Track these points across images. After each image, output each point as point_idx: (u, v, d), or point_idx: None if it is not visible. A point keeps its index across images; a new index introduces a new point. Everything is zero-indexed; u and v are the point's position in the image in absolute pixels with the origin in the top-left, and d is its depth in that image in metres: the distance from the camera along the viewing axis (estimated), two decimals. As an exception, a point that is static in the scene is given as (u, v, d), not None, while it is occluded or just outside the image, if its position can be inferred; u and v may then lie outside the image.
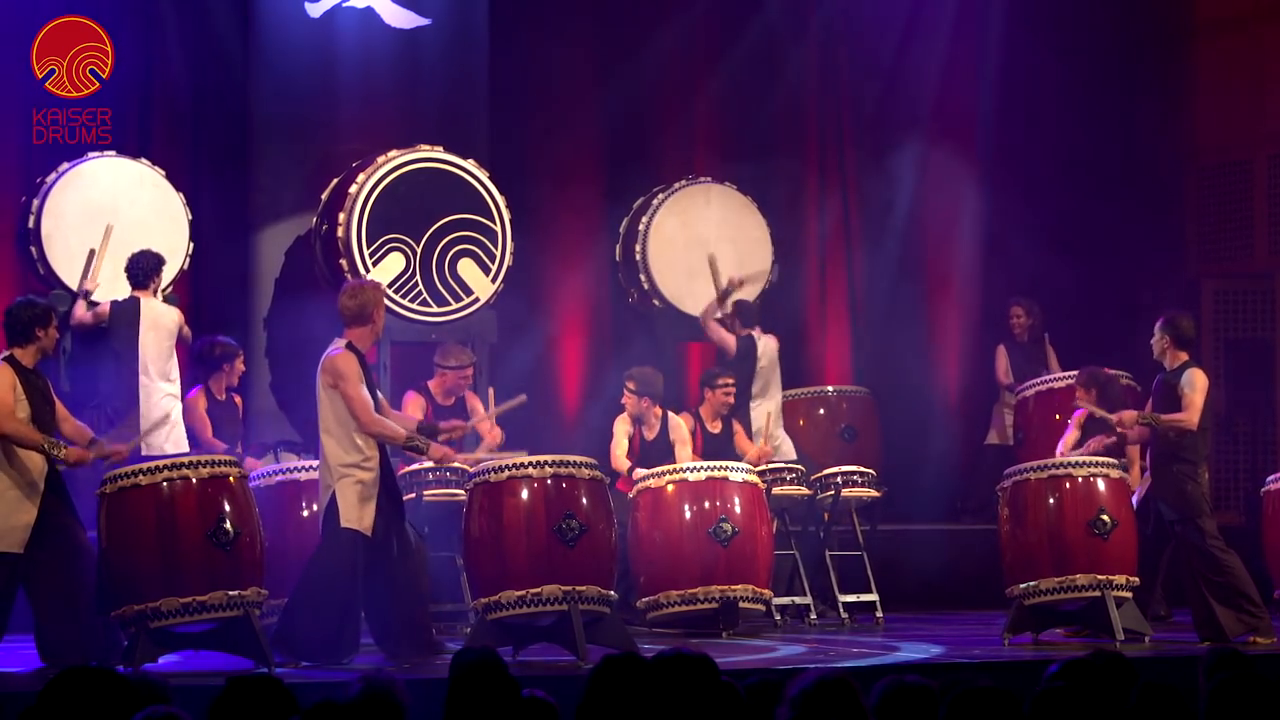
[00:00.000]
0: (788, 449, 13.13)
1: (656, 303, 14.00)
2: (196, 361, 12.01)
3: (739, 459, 12.16)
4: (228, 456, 9.78)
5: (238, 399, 12.10)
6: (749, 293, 13.79)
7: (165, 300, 12.00)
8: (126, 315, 11.72)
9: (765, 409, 13.07)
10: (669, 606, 11.26)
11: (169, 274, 12.10)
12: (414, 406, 11.53)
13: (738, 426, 12.67)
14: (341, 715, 4.74)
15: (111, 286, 11.99)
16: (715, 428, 12.53)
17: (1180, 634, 11.40)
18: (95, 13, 12.53)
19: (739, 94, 14.96)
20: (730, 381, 12.63)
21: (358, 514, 9.51)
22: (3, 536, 9.34)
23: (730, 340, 13.42)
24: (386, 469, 9.72)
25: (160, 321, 11.74)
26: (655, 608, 11.30)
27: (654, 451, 12.02)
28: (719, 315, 13.64)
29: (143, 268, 11.77)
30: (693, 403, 12.91)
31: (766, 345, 13.36)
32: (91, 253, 12.05)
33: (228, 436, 11.74)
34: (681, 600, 11.23)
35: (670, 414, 12.24)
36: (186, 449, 11.57)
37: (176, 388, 11.74)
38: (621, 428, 12.17)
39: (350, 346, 9.67)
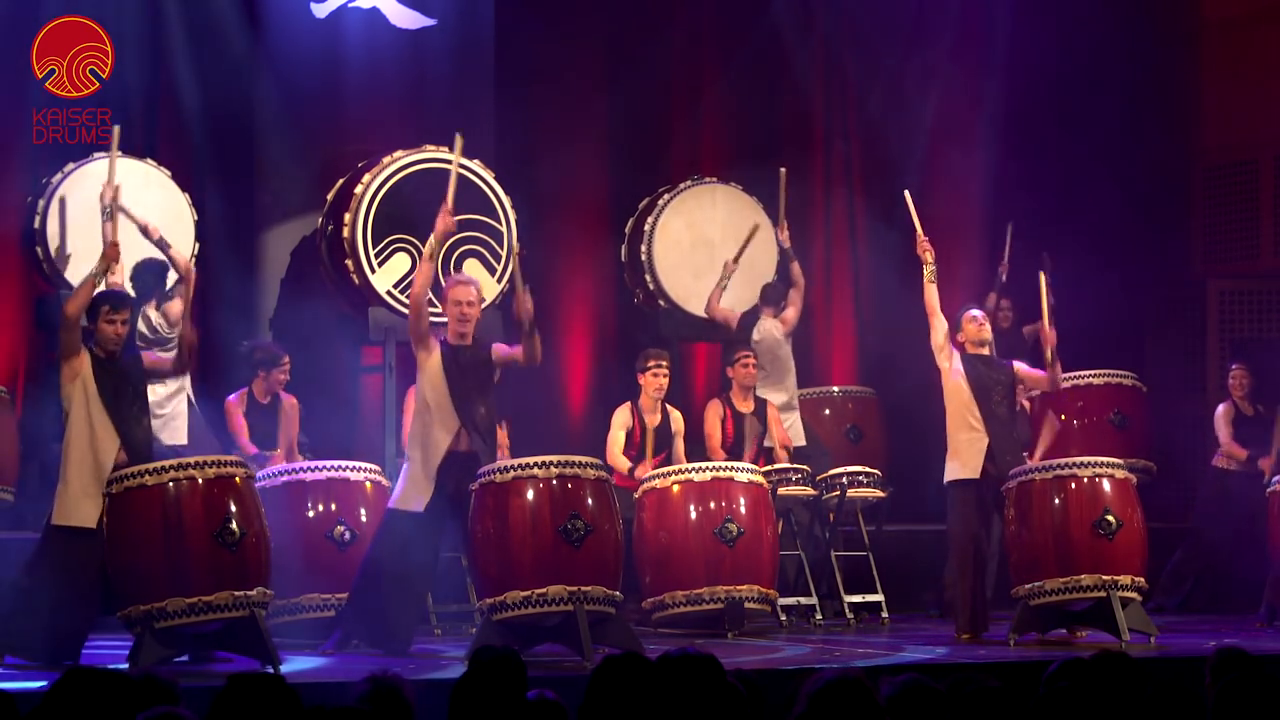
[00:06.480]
0: (798, 431, 13.02)
1: (662, 303, 14.00)
2: (242, 363, 12.01)
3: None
4: (233, 457, 9.78)
5: (289, 401, 12.01)
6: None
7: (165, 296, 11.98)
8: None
9: (775, 399, 12.94)
10: (674, 607, 11.26)
11: (172, 277, 12.09)
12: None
13: (771, 408, 12.59)
14: (349, 715, 4.74)
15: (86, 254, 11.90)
16: (747, 406, 12.45)
17: (1186, 635, 11.39)
18: (97, 13, 12.53)
19: (744, 94, 14.95)
20: (748, 354, 12.57)
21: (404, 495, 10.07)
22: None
23: (733, 317, 13.40)
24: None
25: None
26: (660, 608, 11.30)
27: (661, 438, 12.01)
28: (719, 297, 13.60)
29: (149, 278, 11.77)
30: (700, 402, 12.88)
31: (767, 328, 13.22)
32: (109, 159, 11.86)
33: (260, 439, 11.69)
34: (686, 600, 11.22)
35: (669, 406, 12.22)
36: (183, 441, 11.59)
37: (179, 382, 11.69)
38: (620, 420, 12.13)
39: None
